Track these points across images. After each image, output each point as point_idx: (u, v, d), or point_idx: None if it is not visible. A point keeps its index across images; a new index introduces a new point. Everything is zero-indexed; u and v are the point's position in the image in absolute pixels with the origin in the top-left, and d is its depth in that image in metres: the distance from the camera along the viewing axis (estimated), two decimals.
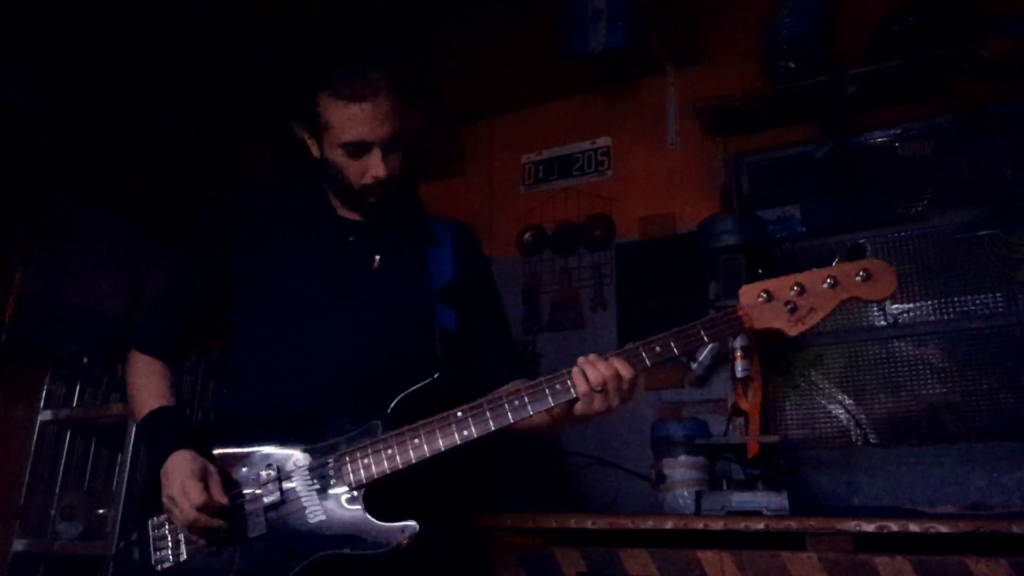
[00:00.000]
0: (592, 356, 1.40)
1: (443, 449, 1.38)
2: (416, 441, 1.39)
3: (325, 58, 1.57)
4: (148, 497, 1.52)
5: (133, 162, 3.50)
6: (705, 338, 1.41)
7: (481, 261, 1.79)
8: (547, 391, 1.40)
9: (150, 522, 1.47)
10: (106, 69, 3.09)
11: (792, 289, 1.42)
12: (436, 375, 1.46)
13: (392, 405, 1.43)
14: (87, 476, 3.10)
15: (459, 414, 1.39)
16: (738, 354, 2.25)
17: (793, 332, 1.42)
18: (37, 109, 3.08)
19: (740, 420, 2.22)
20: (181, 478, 1.39)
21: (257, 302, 1.59)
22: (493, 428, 1.39)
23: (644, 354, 1.40)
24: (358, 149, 1.51)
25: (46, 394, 3.07)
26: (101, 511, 2.87)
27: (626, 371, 1.38)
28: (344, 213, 1.65)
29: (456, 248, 1.69)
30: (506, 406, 1.39)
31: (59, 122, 3.18)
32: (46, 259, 3.13)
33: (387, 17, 2.79)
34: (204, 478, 1.39)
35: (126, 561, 1.47)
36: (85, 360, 3.06)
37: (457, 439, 1.38)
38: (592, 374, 1.38)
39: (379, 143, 1.51)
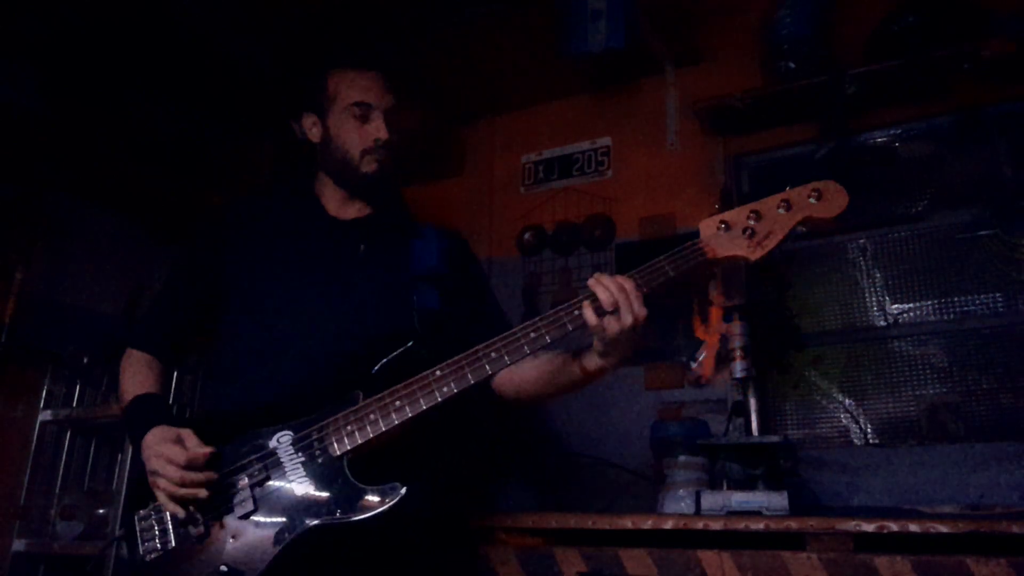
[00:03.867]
0: (596, 275, 1.41)
1: (425, 408, 1.39)
2: (398, 403, 1.40)
3: (336, 45, 1.79)
4: (134, 493, 1.52)
5: (133, 162, 3.50)
6: (670, 272, 1.43)
7: (472, 260, 1.83)
8: (523, 344, 1.41)
9: (136, 516, 1.47)
10: (106, 69, 3.09)
11: (748, 217, 1.47)
12: (410, 343, 1.47)
13: (373, 371, 1.45)
14: (87, 476, 3.10)
15: (437, 373, 1.40)
16: (738, 354, 2.28)
17: (754, 257, 1.46)
18: (37, 109, 3.08)
19: (740, 420, 2.22)
20: (157, 447, 1.39)
21: (245, 300, 1.62)
22: (472, 382, 1.39)
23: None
24: (364, 111, 1.65)
25: (46, 394, 3.08)
26: (101, 511, 2.87)
27: (629, 284, 1.39)
28: (334, 212, 1.71)
29: (442, 247, 1.73)
30: (483, 359, 1.40)
31: (59, 122, 3.18)
32: (46, 259, 3.13)
33: (387, 17, 2.79)
34: (179, 439, 1.40)
35: (117, 557, 1.48)
36: (85, 360, 3.06)
37: (438, 397, 1.39)
38: (603, 294, 1.37)
39: (381, 109, 1.66)
